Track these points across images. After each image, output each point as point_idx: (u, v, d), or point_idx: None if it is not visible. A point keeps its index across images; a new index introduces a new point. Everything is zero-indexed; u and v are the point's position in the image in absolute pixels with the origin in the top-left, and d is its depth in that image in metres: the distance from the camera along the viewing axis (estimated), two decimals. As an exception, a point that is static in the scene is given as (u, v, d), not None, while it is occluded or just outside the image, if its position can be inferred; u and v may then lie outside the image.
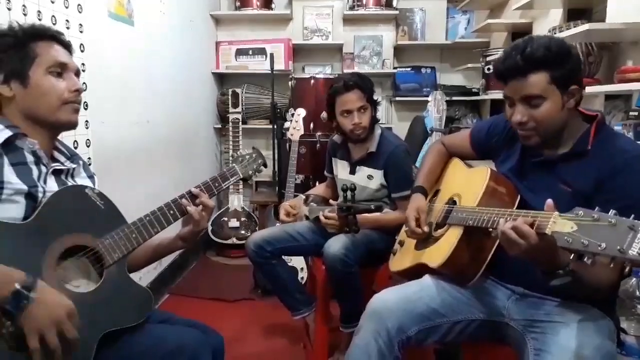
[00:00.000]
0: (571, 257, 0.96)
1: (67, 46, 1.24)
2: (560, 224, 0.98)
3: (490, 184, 1.37)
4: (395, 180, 2.08)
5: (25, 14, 1.68)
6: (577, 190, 1.23)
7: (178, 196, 1.33)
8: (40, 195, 1.14)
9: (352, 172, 2.19)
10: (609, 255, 0.89)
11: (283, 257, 2.22)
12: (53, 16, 1.84)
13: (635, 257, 0.86)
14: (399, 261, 1.72)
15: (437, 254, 1.43)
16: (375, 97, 2.16)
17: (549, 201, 1.06)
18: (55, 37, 1.21)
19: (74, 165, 1.28)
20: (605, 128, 1.29)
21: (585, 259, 0.93)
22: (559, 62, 1.20)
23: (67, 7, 1.93)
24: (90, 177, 1.36)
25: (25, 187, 1.10)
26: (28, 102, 1.16)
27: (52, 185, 1.19)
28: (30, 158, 1.16)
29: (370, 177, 2.14)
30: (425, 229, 1.54)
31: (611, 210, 0.93)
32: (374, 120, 2.14)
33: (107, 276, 1.18)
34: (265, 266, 2.15)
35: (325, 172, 2.44)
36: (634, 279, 1.67)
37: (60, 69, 1.19)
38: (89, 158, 2.08)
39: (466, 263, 1.35)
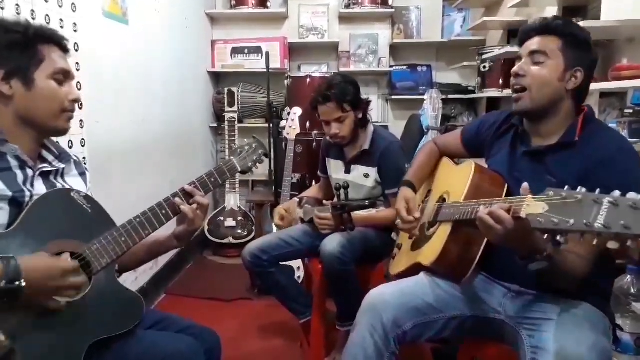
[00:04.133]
0: (545, 237, 0.97)
1: (67, 52, 1.23)
2: (534, 206, 0.99)
3: (475, 177, 1.38)
4: (389, 177, 2.08)
5: (18, 13, 1.67)
6: (561, 181, 1.23)
7: (171, 194, 1.28)
8: (27, 199, 1.11)
9: (347, 171, 2.20)
10: (578, 230, 0.89)
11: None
12: (47, 15, 1.83)
13: (600, 229, 0.86)
14: (397, 264, 1.73)
15: (429, 251, 1.44)
16: (363, 97, 2.15)
17: (525, 184, 1.07)
18: (60, 43, 1.20)
19: (62, 166, 1.25)
20: (593, 120, 1.32)
21: (558, 238, 0.94)
22: (576, 42, 1.29)
23: (61, 7, 1.92)
24: (82, 174, 1.32)
25: (9, 193, 1.08)
26: (27, 104, 1.13)
27: (40, 189, 1.16)
28: (14, 163, 1.13)
29: (366, 175, 2.14)
30: (417, 215, 1.53)
31: (579, 188, 0.93)
32: (362, 122, 2.14)
33: (96, 283, 1.13)
34: (263, 275, 2.15)
35: (319, 173, 2.44)
36: (629, 276, 1.68)
37: (63, 77, 1.18)
38: (84, 158, 2.07)
39: (458, 258, 1.36)
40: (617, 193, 0.88)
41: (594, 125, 1.31)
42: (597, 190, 0.91)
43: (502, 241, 1.11)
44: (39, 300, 1.01)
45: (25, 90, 1.13)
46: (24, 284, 0.96)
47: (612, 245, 0.86)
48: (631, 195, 0.86)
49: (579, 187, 0.93)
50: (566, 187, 0.95)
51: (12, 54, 1.11)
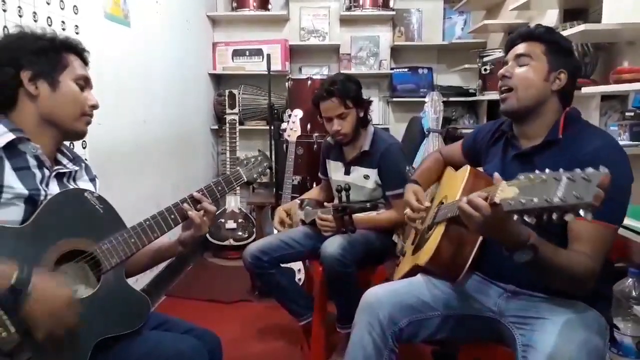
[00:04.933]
0: (515, 218, 0.98)
1: (87, 64, 1.29)
2: (507, 191, 1.01)
3: (469, 179, 1.41)
4: (389, 178, 2.09)
5: (20, 16, 1.68)
6: None
7: (180, 200, 1.32)
8: (42, 199, 1.13)
9: (347, 172, 2.20)
10: (540, 207, 0.91)
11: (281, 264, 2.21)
12: (49, 17, 1.84)
13: (558, 202, 0.88)
14: (400, 270, 1.74)
15: (424, 252, 1.46)
16: (365, 97, 2.15)
17: (496, 174, 1.11)
18: (82, 54, 1.26)
19: (76, 168, 1.29)
20: (578, 119, 1.36)
21: (526, 218, 0.96)
22: (558, 48, 1.35)
23: (62, 9, 1.93)
24: (92, 179, 1.36)
25: (25, 192, 1.10)
26: (51, 105, 1.18)
27: (55, 189, 1.18)
28: (32, 162, 1.15)
29: (366, 176, 2.14)
30: (427, 203, 1.57)
31: (547, 170, 0.95)
32: (363, 121, 2.14)
33: (104, 282, 1.16)
34: (264, 276, 2.15)
35: (319, 174, 2.44)
36: (630, 279, 1.67)
37: (84, 83, 1.24)
38: (86, 159, 2.07)
39: (451, 257, 1.37)
40: (577, 170, 0.90)
41: (579, 124, 1.35)
42: (561, 170, 0.93)
43: (483, 229, 1.12)
44: (34, 319, 0.98)
45: (51, 90, 1.18)
46: (30, 291, 0.97)
47: (568, 217, 0.89)
48: (588, 169, 0.89)
49: (547, 170, 0.96)
50: (536, 170, 0.97)
51: (40, 59, 1.17)
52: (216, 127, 4.10)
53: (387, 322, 1.37)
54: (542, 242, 1.11)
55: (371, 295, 1.45)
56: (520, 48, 1.37)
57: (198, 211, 1.32)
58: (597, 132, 1.34)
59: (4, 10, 1.61)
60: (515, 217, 0.98)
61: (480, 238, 1.37)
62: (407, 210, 1.62)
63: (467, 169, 1.46)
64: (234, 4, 3.98)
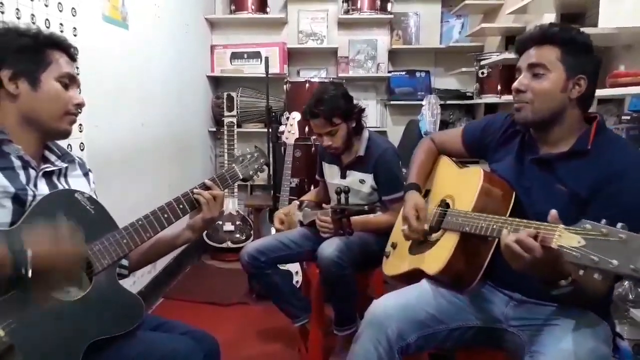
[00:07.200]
0: (580, 273, 0.93)
1: (74, 60, 1.27)
2: (567, 238, 0.96)
3: (484, 185, 1.34)
4: (385, 183, 2.09)
5: (18, 18, 1.67)
6: (573, 191, 1.21)
7: (173, 199, 1.31)
8: (29, 198, 1.12)
9: (343, 176, 2.20)
10: (622, 274, 0.87)
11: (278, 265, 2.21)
12: (47, 19, 1.84)
13: None
14: (394, 265, 1.67)
15: (434, 260, 1.40)
16: (358, 102, 2.15)
17: (553, 212, 1.03)
18: (68, 50, 1.23)
19: (64, 165, 1.26)
20: (606, 130, 1.29)
21: (595, 276, 0.91)
22: (575, 48, 1.24)
23: (61, 11, 1.93)
24: (86, 174, 1.34)
25: (12, 189, 1.09)
26: (32, 104, 1.16)
27: (43, 189, 1.17)
28: (17, 163, 1.14)
29: (362, 181, 2.14)
30: (426, 226, 1.49)
31: (619, 224, 0.90)
32: (356, 129, 2.14)
33: (96, 283, 1.15)
34: (260, 276, 2.15)
35: (316, 176, 2.44)
36: (627, 282, 1.68)
37: (68, 81, 1.21)
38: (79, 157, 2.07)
39: (464, 269, 1.33)
40: None
41: (606, 135, 1.27)
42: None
43: (527, 269, 1.07)
44: (47, 270, 1.02)
45: (31, 89, 1.16)
46: (29, 253, 0.98)
47: None
48: None
49: (619, 224, 0.90)
50: (603, 221, 0.92)
51: (22, 57, 1.15)
52: (214, 129, 4.10)
53: (396, 337, 1.33)
54: (581, 276, 1.06)
55: (379, 307, 1.39)
56: (534, 56, 1.26)
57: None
58: (626, 148, 1.26)
59: (2, 12, 1.60)
60: (581, 272, 0.93)
61: (494, 247, 1.30)
62: (405, 227, 1.51)
63: (480, 173, 1.37)
64: (233, 7, 3.98)
